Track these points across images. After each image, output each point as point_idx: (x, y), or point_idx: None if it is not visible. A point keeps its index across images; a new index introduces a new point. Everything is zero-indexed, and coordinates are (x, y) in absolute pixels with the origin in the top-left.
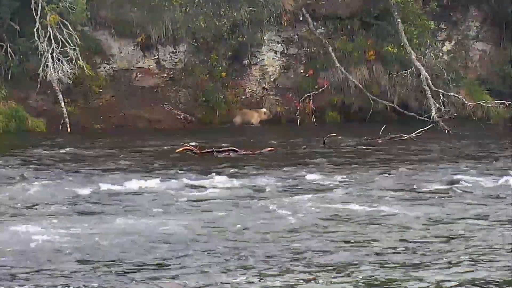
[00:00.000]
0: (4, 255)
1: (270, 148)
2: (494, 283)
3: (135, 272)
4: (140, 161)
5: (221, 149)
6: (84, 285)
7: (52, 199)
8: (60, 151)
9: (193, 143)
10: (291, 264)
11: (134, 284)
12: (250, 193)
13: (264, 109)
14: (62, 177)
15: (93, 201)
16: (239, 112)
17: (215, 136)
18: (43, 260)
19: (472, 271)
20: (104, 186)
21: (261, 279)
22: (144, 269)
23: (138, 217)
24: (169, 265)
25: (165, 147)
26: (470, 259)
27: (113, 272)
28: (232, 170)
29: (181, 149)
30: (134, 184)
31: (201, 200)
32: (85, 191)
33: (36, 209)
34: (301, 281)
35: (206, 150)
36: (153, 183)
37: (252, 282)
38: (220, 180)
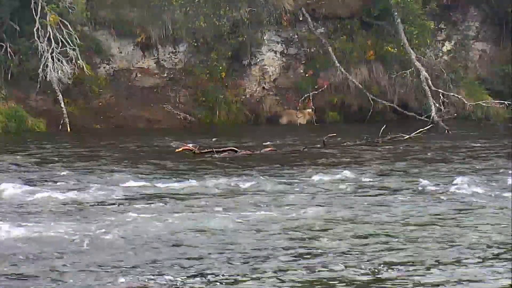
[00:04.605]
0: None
1: (269, 148)
2: (493, 284)
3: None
4: (140, 161)
5: (220, 149)
6: None
7: (55, 199)
8: (60, 151)
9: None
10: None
11: None
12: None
13: (309, 110)
14: (62, 178)
15: (95, 202)
16: (285, 112)
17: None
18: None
19: (470, 272)
20: (104, 186)
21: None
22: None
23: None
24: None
25: (165, 147)
26: (468, 260)
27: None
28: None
29: (180, 149)
30: (134, 184)
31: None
32: (84, 191)
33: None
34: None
35: (206, 150)
36: (153, 183)
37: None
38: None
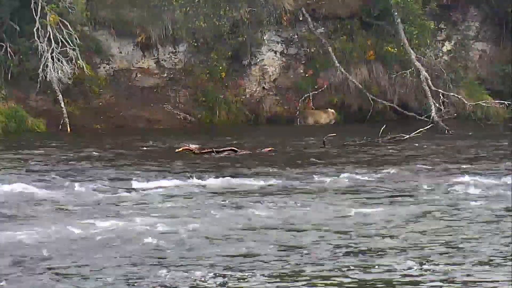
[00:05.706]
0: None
1: (269, 149)
2: (493, 285)
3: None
4: (141, 161)
5: (220, 149)
6: None
7: (60, 199)
8: (61, 151)
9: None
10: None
11: None
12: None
13: (332, 110)
14: (64, 178)
15: (96, 202)
16: (310, 112)
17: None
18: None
19: (470, 272)
20: (105, 187)
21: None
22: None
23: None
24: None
25: (166, 147)
26: (469, 260)
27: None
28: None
29: (180, 149)
30: (135, 184)
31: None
32: (86, 191)
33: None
34: None
35: (206, 150)
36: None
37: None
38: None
